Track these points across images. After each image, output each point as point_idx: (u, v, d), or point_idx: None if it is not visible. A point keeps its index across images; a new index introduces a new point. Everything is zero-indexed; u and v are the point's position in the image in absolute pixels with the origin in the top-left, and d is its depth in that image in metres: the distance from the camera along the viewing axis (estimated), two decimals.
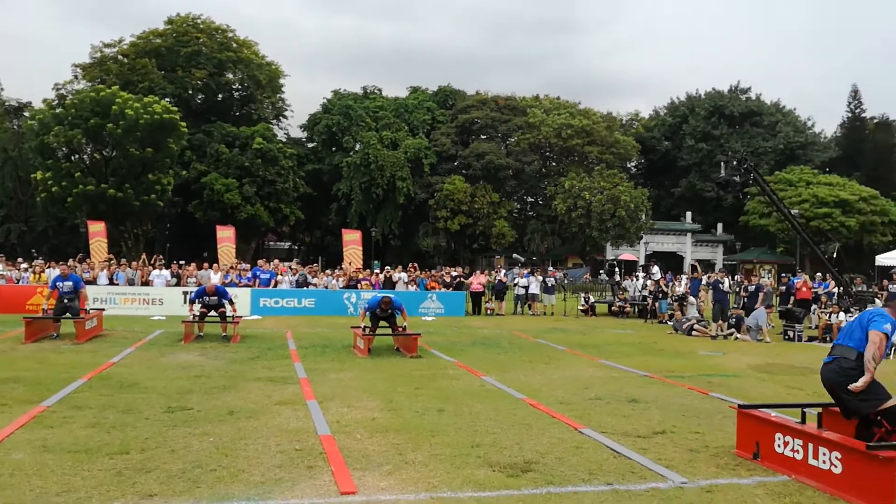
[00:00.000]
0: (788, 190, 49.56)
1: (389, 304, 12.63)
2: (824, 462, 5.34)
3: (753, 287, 19.29)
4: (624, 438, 6.67)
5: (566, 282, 38.30)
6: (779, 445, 5.79)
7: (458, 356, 12.45)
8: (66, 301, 13.85)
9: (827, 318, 17.24)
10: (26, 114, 49.82)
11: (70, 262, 22.62)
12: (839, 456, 5.22)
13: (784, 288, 20.65)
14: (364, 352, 12.30)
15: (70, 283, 13.99)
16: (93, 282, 20.85)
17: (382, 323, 12.97)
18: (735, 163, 16.81)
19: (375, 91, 58.22)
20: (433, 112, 55.53)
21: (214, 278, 20.34)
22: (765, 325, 16.87)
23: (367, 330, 12.58)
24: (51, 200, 38.75)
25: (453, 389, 9.17)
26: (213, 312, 14.42)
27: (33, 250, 43.25)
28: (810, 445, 5.49)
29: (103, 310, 16.15)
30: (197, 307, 14.48)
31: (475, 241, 52.10)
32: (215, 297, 14.34)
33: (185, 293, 19.98)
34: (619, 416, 7.67)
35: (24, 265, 23.22)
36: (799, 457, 5.58)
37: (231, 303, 14.76)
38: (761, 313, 16.99)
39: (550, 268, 35.59)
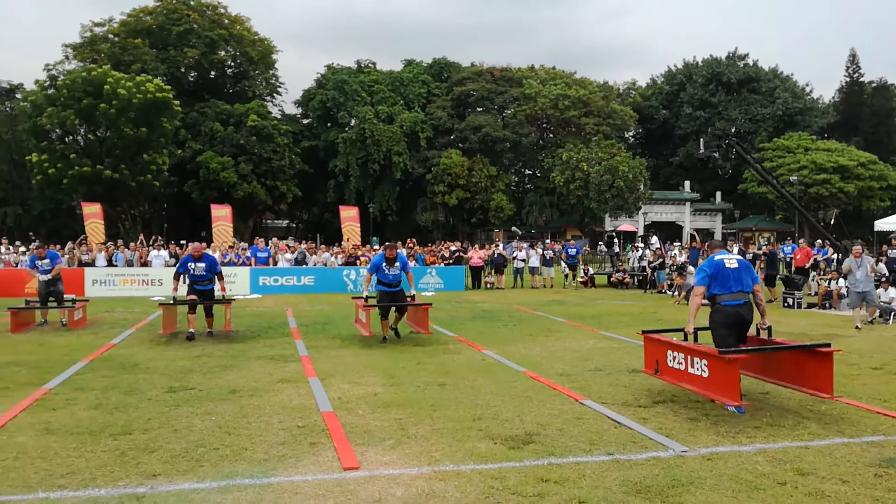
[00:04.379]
0: (787, 157, 49.33)
1: (395, 256, 11.39)
2: (697, 369, 6.55)
3: (751, 255, 19.30)
4: (624, 409, 6.70)
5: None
6: (670, 360, 6.98)
7: (458, 331, 12.47)
8: (49, 286, 13.07)
9: (826, 284, 17.27)
10: (18, 95, 49.40)
11: (69, 244, 22.66)
12: (706, 363, 6.43)
13: (765, 256, 19.93)
14: (367, 327, 11.68)
15: (47, 261, 13.16)
16: (91, 263, 20.91)
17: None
18: (717, 138, 16.34)
19: (370, 65, 57.61)
20: (428, 85, 55.02)
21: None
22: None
23: (380, 315, 11.45)
24: (46, 183, 38.50)
25: (454, 364, 9.19)
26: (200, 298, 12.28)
27: (31, 234, 43.18)
28: (688, 357, 6.71)
29: (88, 301, 14.65)
30: (183, 287, 12.20)
31: (473, 214, 52.01)
32: (203, 264, 11.99)
33: None
34: (619, 387, 7.69)
35: (22, 248, 23.22)
36: (682, 367, 6.78)
37: (220, 278, 12.34)
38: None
39: (548, 240, 35.56)
